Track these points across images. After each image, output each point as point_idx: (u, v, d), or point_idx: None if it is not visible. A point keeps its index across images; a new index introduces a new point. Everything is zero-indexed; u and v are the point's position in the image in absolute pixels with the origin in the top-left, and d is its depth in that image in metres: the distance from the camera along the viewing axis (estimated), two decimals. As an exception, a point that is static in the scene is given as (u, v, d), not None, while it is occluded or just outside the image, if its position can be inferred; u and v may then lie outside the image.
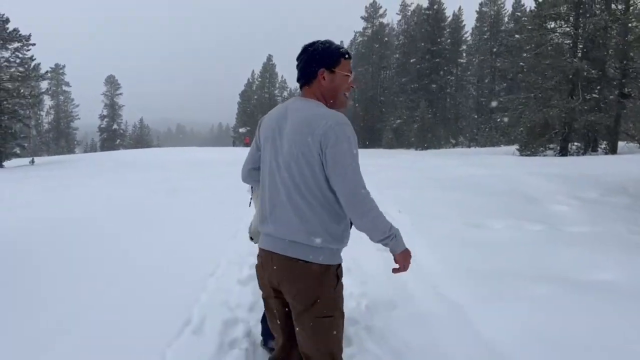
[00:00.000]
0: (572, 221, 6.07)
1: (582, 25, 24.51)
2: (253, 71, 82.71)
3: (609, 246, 4.89)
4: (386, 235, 1.97)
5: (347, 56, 2.13)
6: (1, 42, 32.31)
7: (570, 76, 23.33)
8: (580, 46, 24.92)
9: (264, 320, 3.23)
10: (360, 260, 4.93)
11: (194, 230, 6.60)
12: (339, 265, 2.12)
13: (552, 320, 3.33)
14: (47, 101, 67.63)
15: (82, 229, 6.55)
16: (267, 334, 3.07)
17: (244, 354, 3.23)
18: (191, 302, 4.05)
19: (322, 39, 2.17)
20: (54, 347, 3.33)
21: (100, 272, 4.83)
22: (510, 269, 4.25)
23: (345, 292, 3.89)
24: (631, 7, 23.18)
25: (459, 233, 5.58)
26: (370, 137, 54.99)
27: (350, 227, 2.13)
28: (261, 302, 4.25)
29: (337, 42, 2.18)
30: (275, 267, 2.08)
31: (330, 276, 2.06)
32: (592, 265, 4.29)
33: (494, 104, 25.89)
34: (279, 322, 2.25)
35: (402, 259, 2.07)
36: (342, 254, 2.16)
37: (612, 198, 7.43)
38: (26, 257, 5.34)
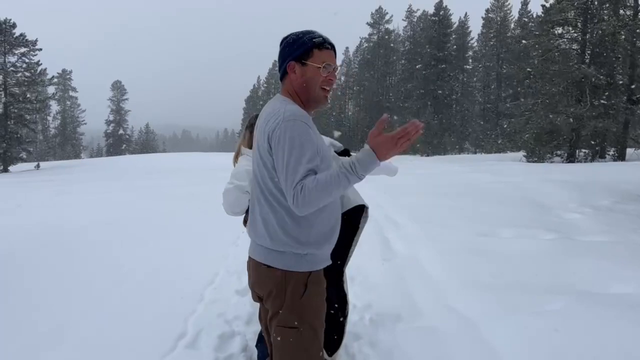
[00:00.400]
0: (586, 230, 5.83)
1: (590, 31, 24.26)
2: (259, 77, 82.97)
3: (627, 257, 4.65)
4: (348, 181, 1.68)
5: (321, 46, 1.89)
6: (8, 47, 32.45)
7: (578, 82, 23.06)
8: (588, 52, 24.66)
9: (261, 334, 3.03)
10: (365, 270, 4.73)
11: (194, 237, 6.42)
12: (310, 273, 1.89)
13: (570, 337, 3.10)
14: (54, 106, 67.93)
15: (80, 236, 6.37)
16: (262, 351, 2.84)
17: (240, 372, 3.04)
18: (187, 313, 3.87)
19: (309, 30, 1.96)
20: (45, 358, 3.16)
21: (96, 281, 4.65)
22: (524, 281, 4.02)
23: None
24: (640, 13, 22.94)
25: (469, 242, 5.35)
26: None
27: (333, 230, 1.95)
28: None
29: (340, 44, 1.97)
30: (251, 271, 2.04)
31: (294, 284, 1.87)
32: (610, 278, 4.05)
33: (506, 107, 25.38)
34: (265, 329, 2.10)
35: (387, 155, 1.69)
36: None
37: (625, 206, 7.19)
38: (20, 265, 5.16)
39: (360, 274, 4.62)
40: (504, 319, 3.32)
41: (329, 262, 2.00)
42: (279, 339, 1.90)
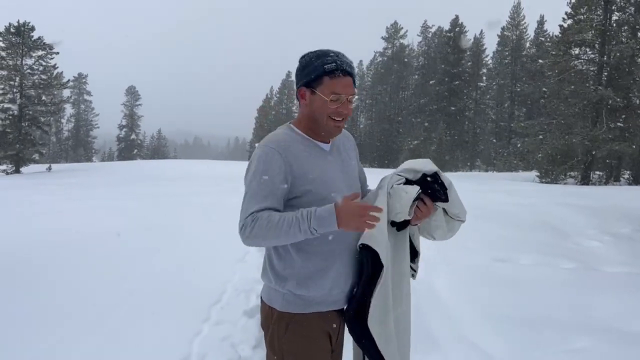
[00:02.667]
0: (607, 260, 5.62)
1: (607, 52, 24.04)
2: (272, 87, 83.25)
3: (653, 291, 4.44)
4: (299, 230, 1.57)
5: (333, 74, 1.69)
6: (25, 49, 32.78)
7: (595, 103, 22.80)
8: (605, 73, 24.41)
9: None
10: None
11: (202, 251, 6.26)
12: (294, 315, 1.73)
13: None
14: (68, 109, 68.55)
15: (83, 247, 6.24)
16: None
17: (245, 403, 2.87)
18: (192, 334, 3.71)
19: (333, 49, 1.78)
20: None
21: (95, 298, 4.49)
22: (546, 315, 3.83)
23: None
24: (659, 36, 22.71)
25: (486, 267, 5.16)
26: (387, 157, 54.60)
27: (322, 273, 1.74)
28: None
29: (348, 56, 1.77)
30: None
31: (275, 321, 1.75)
32: (636, 315, 3.85)
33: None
34: None
35: (348, 221, 1.56)
36: None
37: (647, 235, 6.95)
38: (19, 270, 5.05)
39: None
40: (528, 357, 3.14)
41: (327, 308, 1.78)
42: None
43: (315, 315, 1.76)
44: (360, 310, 1.74)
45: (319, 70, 1.70)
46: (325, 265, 1.74)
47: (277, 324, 1.76)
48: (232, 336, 3.70)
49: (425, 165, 1.87)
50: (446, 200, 1.86)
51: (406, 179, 1.85)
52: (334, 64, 1.70)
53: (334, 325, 1.82)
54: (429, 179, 1.84)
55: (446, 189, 1.85)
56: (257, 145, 1.76)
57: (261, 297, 1.87)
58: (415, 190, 1.78)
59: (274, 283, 1.77)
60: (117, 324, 3.88)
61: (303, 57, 1.79)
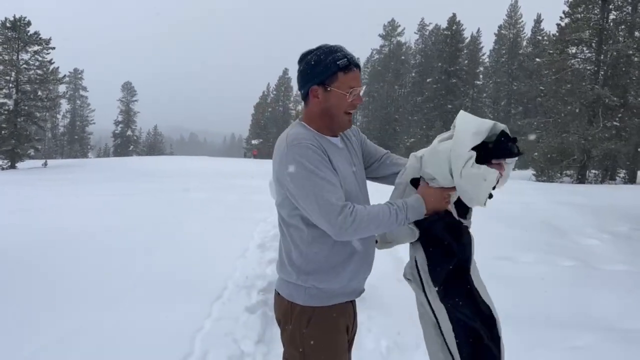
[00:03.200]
0: (606, 258, 5.65)
1: (604, 51, 24.12)
2: (269, 84, 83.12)
3: (652, 290, 4.47)
4: (396, 220, 1.67)
5: (347, 69, 1.73)
6: (21, 44, 32.60)
7: (591, 102, 22.88)
8: (602, 73, 24.50)
9: None
10: (378, 290, 4.55)
11: (202, 248, 6.25)
12: (315, 309, 1.74)
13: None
14: (64, 105, 68.26)
15: (80, 243, 6.23)
16: None
17: (249, 399, 2.87)
18: (194, 330, 3.70)
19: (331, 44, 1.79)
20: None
21: (96, 292, 4.49)
22: (548, 313, 3.85)
23: (361, 328, 3.54)
24: (656, 36, 22.80)
25: (487, 266, 5.11)
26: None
27: (344, 264, 1.76)
28: (269, 334, 3.94)
29: (348, 49, 1.79)
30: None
31: (297, 317, 1.76)
32: (635, 312, 3.88)
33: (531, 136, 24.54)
34: None
35: (434, 207, 1.74)
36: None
37: (644, 233, 6.99)
38: (16, 266, 5.03)
39: (374, 295, 4.43)
40: (531, 355, 3.15)
41: (345, 299, 1.81)
42: None
43: (335, 308, 1.77)
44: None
45: (333, 67, 1.72)
46: (345, 258, 1.76)
47: (298, 319, 1.76)
48: (234, 332, 3.70)
49: (484, 124, 1.71)
50: (519, 153, 1.74)
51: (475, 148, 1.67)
52: (346, 59, 1.73)
53: (351, 318, 1.87)
54: (502, 138, 1.70)
55: (515, 140, 1.71)
56: (287, 144, 1.71)
57: (277, 292, 1.87)
58: (494, 175, 1.67)
59: (295, 278, 1.78)
60: (118, 320, 3.87)
61: (308, 55, 1.78)
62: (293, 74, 79.51)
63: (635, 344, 3.32)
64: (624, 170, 24.31)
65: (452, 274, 1.76)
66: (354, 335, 1.98)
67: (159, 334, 3.60)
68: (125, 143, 72.44)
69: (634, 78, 23.65)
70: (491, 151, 1.71)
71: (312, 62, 1.75)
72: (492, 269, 5.10)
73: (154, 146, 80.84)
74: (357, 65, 1.77)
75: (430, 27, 60.21)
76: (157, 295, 4.42)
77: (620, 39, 23.62)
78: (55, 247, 5.91)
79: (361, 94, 1.79)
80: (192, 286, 4.69)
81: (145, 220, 7.87)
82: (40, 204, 9.90)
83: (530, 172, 25.27)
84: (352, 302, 1.89)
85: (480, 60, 55.77)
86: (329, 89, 1.74)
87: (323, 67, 1.73)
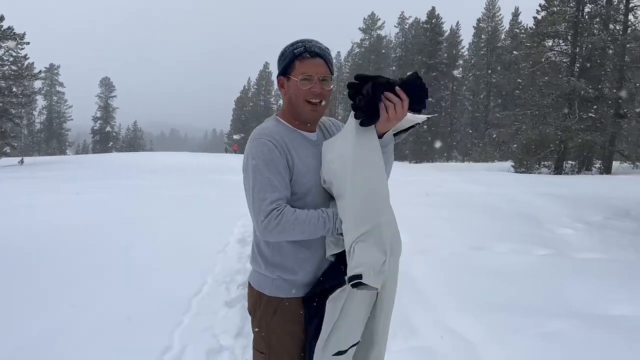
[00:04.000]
0: (579, 247, 5.79)
1: (580, 44, 24.51)
2: (249, 78, 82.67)
3: (622, 277, 4.60)
4: (324, 228, 1.66)
5: (302, 56, 1.75)
6: (-6, 39, 31.92)
7: (567, 94, 23.26)
8: (578, 65, 24.91)
9: None
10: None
11: (182, 243, 6.23)
12: (281, 300, 1.77)
13: (570, 361, 3.02)
14: (40, 101, 67.00)
15: (60, 241, 6.16)
16: None
17: (228, 391, 2.90)
18: (173, 325, 3.71)
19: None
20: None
21: (76, 288, 4.47)
22: (521, 301, 3.94)
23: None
24: (629, 29, 23.21)
25: (463, 256, 5.27)
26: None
27: (311, 257, 1.76)
28: (248, 328, 3.96)
29: (321, 42, 1.81)
30: None
31: (264, 306, 1.80)
32: (607, 298, 3.99)
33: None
34: None
35: None
36: None
37: (617, 222, 7.17)
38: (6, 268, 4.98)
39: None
40: (503, 341, 3.23)
41: (312, 291, 1.79)
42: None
43: (301, 300, 1.80)
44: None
45: (290, 56, 1.77)
46: (312, 252, 1.78)
47: (265, 308, 1.80)
48: (213, 326, 3.72)
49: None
50: (423, 107, 1.66)
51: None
52: (302, 47, 1.76)
53: (320, 308, 1.86)
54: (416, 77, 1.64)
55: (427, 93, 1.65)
56: (250, 137, 1.77)
57: (249, 283, 1.90)
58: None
59: (263, 269, 1.81)
60: (97, 315, 3.86)
61: (282, 50, 1.85)
62: (274, 68, 79.14)
63: (603, 328, 3.43)
64: (599, 161, 24.76)
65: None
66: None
67: (138, 330, 3.60)
68: (105, 139, 71.48)
69: (608, 70, 24.08)
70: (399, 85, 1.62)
71: (279, 55, 1.83)
72: (466, 259, 5.22)
73: (134, 142, 79.88)
74: (318, 54, 1.77)
75: (410, 21, 60.43)
76: (136, 292, 4.42)
77: (595, 31, 24.02)
78: (30, 245, 5.85)
79: (328, 80, 1.77)
80: (172, 282, 4.69)
81: (124, 217, 7.82)
82: (17, 201, 9.75)
83: (509, 163, 25.61)
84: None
85: (460, 53, 56.17)
86: (289, 78, 1.78)
87: (284, 57, 1.80)
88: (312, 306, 1.77)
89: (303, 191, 1.74)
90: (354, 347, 1.77)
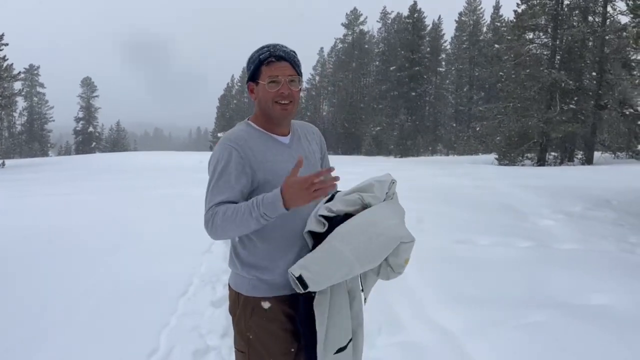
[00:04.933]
0: (560, 238, 5.88)
1: (560, 37, 24.77)
2: (232, 76, 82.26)
3: (602, 266, 4.69)
4: (251, 217, 1.63)
5: (267, 61, 1.79)
6: (-29, 41, 31.34)
7: (549, 86, 23.52)
8: (558, 57, 25.17)
9: None
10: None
11: (167, 244, 6.20)
12: (260, 300, 1.80)
13: (551, 351, 3.09)
14: (21, 102, 65.94)
15: (44, 243, 6.11)
16: None
17: (215, 391, 2.91)
18: (159, 326, 3.72)
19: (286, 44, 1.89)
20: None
21: (61, 292, 4.44)
22: (504, 293, 4.01)
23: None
24: (608, 20, 23.52)
25: (446, 250, 5.33)
26: (350, 144, 54.93)
27: (285, 254, 1.80)
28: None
29: (287, 47, 1.86)
30: None
31: (242, 306, 1.84)
32: (587, 289, 4.07)
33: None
34: None
35: (295, 199, 1.58)
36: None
37: (597, 212, 7.30)
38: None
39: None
40: (485, 333, 3.29)
41: (287, 292, 1.81)
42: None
43: (279, 299, 1.82)
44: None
45: (256, 61, 1.83)
46: (286, 251, 1.81)
47: (243, 309, 1.84)
48: (200, 327, 3.73)
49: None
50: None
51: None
52: (268, 52, 1.81)
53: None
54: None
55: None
56: (217, 144, 1.84)
57: (229, 284, 1.94)
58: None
59: (240, 270, 1.86)
60: (82, 321, 3.85)
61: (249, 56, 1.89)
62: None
63: (584, 318, 3.50)
64: (581, 152, 25.07)
65: None
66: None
67: (125, 332, 3.60)
68: (87, 140, 70.65)
69: (588, 62, 24.38)
70: None
71: (247, 61, 1.88)
72: (450, 253, 5.29)
73: (117, 142, 79.01)
74: (283, 57, 1.81)
75: (392, 16, 60.57)
76: (122, 294, 4.40)
77: (575, 24, 24.29)
78: (12, 249, 5.79)
79: (296, 81, 1.81)
80: (158, 283, 4.68)
81: (108, 218, 7.76)
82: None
83: (493, 156, 25.84)
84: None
85: (442, 47, 56.48)
86: (257, 83, 1.83)
87: (251, 63, 1.85)
88: (297, 307, 1.81)
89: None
90: (351, 342, 1.86)
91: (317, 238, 1.76)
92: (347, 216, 1.75)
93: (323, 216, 1.76)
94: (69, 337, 3.54)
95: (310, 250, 1.76)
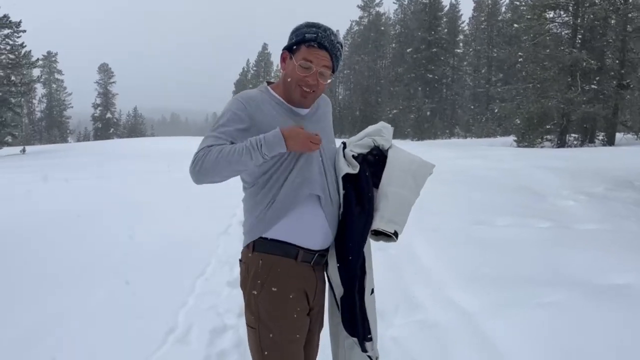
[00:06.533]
0: (581, 218, 5.78)
1: (581, 15, 24.14)
2: (248, 60, 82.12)
3: (624, 247, 4.61)
4: (250, 157, 1.65)
5: (309, 44, 1.76)
6: (-10, 28, 31.69)
7: (569, 67, 23.01)
8: (579, 36, 24.57)
9: None
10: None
11: (184, 226, 6.26)
12: (267, 274, 1.78)
13: (571, 330, 3.05)
14: (40, 89, 66.77)
15: (65, 225, 6.21)
16: None
17: (232, 368, 2.94)
18: (177, 306, 3.76)
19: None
20: (28, 355, 3.04)
21: (81, 273, 4.52)
22: (522, 273, 3.96)
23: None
24: (631, -2, 22.86)
25: (464, 231, 5.28)
26: (366, 127, 54.48)
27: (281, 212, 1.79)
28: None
29: (338, 37, 1.83)
30: None
31: (251, 281, 1.81)
32: (608, 268, 4.00)
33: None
34: None
35: (296, 144, 1.69)
36: None
37: (619, 193, 7.15)
38: (8, 255, 5.02)
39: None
40: (503, 312, 3.26)
41: (292, 259, 1.81)
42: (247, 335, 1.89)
43: (288, 272, 1.81)
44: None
45: (300, 37, 1.78)
46: (292, 212, 1.80)
47: (252, 283, 1.81)
48: (217, 306, 3.76)
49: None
50: None
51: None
52: (315, 35, 1.77)
53: (311, 285, 1.88)
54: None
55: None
56: None
57: (240, 260, 1.92)
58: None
59: (245, 238, 1.87)
60: (102, 300, 3.91)
61: (299, 24, 1.86)
62: (272, 50, 78.56)
63: (603, 298, 3.45)
64: (602, 133, 24.58)
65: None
66: (321, 307, 2.00)
67: (143, 312, 3.65)
68: (106, 126, 71.35)
69: (610, 41, 23.76)
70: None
71: (293, 29, 1.84)
72: (467, 234, 5.24)
73: (135, 128, 79.71)
74: (326, 47, 1.77)
75: (409, -4, 59.59)
76: (141, 275, 4.45)
77: (597, 1, 23.64)
78: (37, 231, 5.89)
79: (325, 75, 1.79)
80: (176, 264, 4.74)
81: (127, 201, 7.85)
82: (22, 189, 9.79)
83: (511, 138, 25.47)
84: (314, 269, 1.89)
85: (460, 28, 55.53)
86: (291, 56, 1.80)
87: (295, 34, 1.81)
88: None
89: (294, 155, 1.78)
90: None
91: (349, 182, 1.89)
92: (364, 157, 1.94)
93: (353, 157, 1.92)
94: (87, 317, 3.60)
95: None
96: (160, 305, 3.78)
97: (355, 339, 1.89)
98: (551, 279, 3.79)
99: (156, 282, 4.26)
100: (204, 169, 1.65)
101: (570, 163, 10.51)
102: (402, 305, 3.45)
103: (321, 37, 1.76)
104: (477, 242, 4.86)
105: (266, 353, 1.79)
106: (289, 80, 1.81)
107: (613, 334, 2.99)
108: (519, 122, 24.83)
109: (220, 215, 6.74)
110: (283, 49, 1.84)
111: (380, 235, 1.85)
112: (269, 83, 1.95)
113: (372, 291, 1.94)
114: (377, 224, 1.81)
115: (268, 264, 1.80)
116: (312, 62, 1.76)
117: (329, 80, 1.83)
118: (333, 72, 1.83)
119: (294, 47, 1.79)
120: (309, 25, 1.80)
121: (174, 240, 5.56)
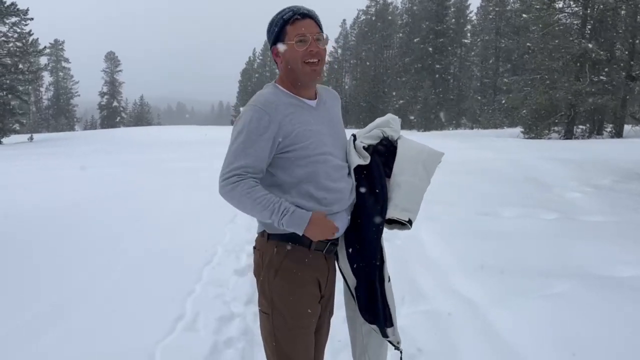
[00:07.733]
0: (587, 210, 5.78)
1: (591, 5, 23.87)
2: (254, 49, 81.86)
3: (630, 238, 4.60)
4: (269, 217, 1.72)
5: (292, 20, 1.78)
6: (-2, 16, 31.73)
7: (578, 57, 22.80)
8: (589, 27, 24.31)
9: None
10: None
11: (191, 215, 6.31)
12: (281, 262, 1.82)
13: (576, 321, 3.06)
14: (47, 77, 66.88)
15: (75, 213, 6.26)
16: None
17: (239, 355, 2.98)
18: (185, 294, 3.79)
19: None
20: (37, 341, 3.09)
21: (91, 261, 4.56)
22: (528, 264, 3.97)
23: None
24: (642, -13, 22.55)
25: (470, 222, 5.29)
26: (373, 118, 54.12)
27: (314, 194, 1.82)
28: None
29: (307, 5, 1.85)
30: None
31: (266, 268, 1.85)
32: (614, 260, 4.01)
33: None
34: None
35: (314, 233, 1.75)
36: None
37: (626, 185, 7.13)
38: (12, 244, 5.08)
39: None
40: (508, 303, 3.28)
41: (305, 247, 1.85)
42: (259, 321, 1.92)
43: (302, 260, 1.84)
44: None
45: (280, 22, 1.80)
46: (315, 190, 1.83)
47: (267, 270, 1.85)
48: (224, 294, 3.80)
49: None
50: None
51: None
52: (291, 12, 1.79)
53: (323, 273, 1.92)
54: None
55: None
56: (247, 103, 1.83)
57: (254, 247, 1.95)
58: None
59: (259, 227, 1.91)
60: (110, 287, 3.95)
61: (269, 20, 1.88)
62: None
63: (609, 289, 3.46)
64: (611, 125, 24.43)
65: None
66: (332, 295, 2.04)
67: (151, 300, 3.69)
68: (112, 114, 71.47)
69: (620, 32, 23.51)
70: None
71: (268, 25, 1.86)
72: (474, 224, 5.25)
73: (141, 117, 79.82)
74: (307, 15, 1.80)
75: (417, -14, 59.07)
76: (148, 263, 4.50)
77: (607, -9, 23.37)
78: (44, 220, 5.94)
79: (322, 40, 1.81)
80: (183, 252, 4.77)
81: (134, 190, 7.90)
82: (29, 177, 9.87)
83: (518, 129, 25.35)
84: (325, 258, 1.92)
85: (468, 18, 55.04)
86: (283, 44, 1.80)
87: (274, 26, 1.82)
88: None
89: (318, 152, 1.80)
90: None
91: (361, 173, 1.93)
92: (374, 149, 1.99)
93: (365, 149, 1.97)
94: (97, 303, 3.64)
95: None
96: (167, 292, 3.81)
97: (375, 326, 1.93)
98: (557, 270, 3.80)
99: (164, 270, 4.30)
100: (230, 196, 1.74)
101: (578, 155, 10.47)
102: (408, 296, 3.47)
103: (297, 10, 1.79)
104: (483, 233, 4.87)
105: (278, 338, 1.83)
106: (293, 65, 1.80)
107: (618, 325, 3.01)
108: (526, 113, 24.69)
109: (227, 204, 6.76)
110: (271, 47, 1.87)
111: (394, 223, 1.90)
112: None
113: (389, 279, 1.98)
114: (392, 212, 1.86)
115: (282, 252, 1.83)
116: (305, 33, 1.77)
117: (326, 45, 1.84)
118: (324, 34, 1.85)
119: (280, 34, 1.80)
120: (279, 12, 1.83)
121: (182, 228, 5.61)
